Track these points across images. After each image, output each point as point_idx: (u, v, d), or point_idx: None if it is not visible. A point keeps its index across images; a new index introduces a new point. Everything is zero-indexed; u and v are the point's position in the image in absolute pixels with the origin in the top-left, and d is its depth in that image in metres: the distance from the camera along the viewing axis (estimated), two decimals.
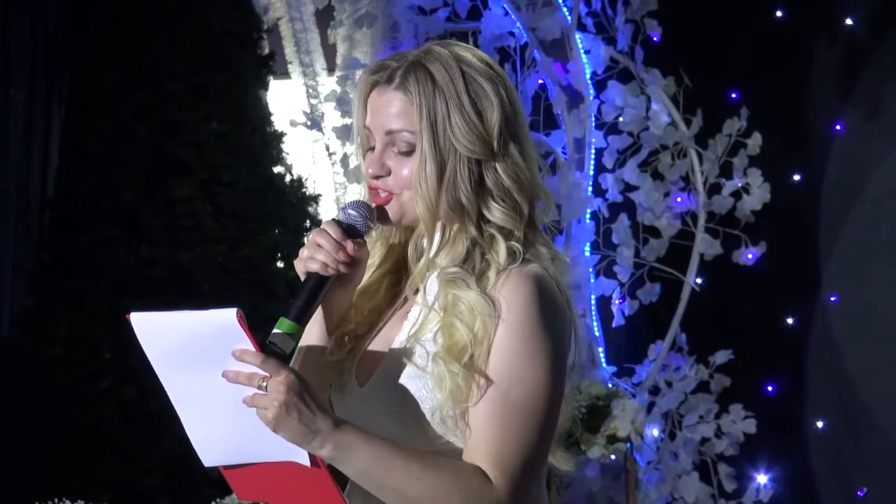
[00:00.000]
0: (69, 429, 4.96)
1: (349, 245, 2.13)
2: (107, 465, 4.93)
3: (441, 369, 2.05)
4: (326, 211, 5.77)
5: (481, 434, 2.04)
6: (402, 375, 2.09)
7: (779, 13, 5.96)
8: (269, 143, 5.46)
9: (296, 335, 2.07)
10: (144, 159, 5.20)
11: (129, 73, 5.27)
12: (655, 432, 5.59)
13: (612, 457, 5.41)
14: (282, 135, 5.55)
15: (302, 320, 2.08)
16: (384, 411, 2.08)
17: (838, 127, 5.93)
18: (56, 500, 4.33)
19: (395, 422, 2.07)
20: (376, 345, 2.19)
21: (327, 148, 5.88)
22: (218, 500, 4.44)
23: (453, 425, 2.07)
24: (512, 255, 2.11)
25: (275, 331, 2.07)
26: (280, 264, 5.35)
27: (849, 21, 5.93)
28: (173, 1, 5.33)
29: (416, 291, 2.20)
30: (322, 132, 5.81)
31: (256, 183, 5.31)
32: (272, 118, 5.57)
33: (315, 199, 5.56)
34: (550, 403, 2.06)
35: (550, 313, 2.08)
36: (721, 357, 5.58)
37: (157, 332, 2.03)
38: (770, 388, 5.89)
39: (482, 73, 2.14)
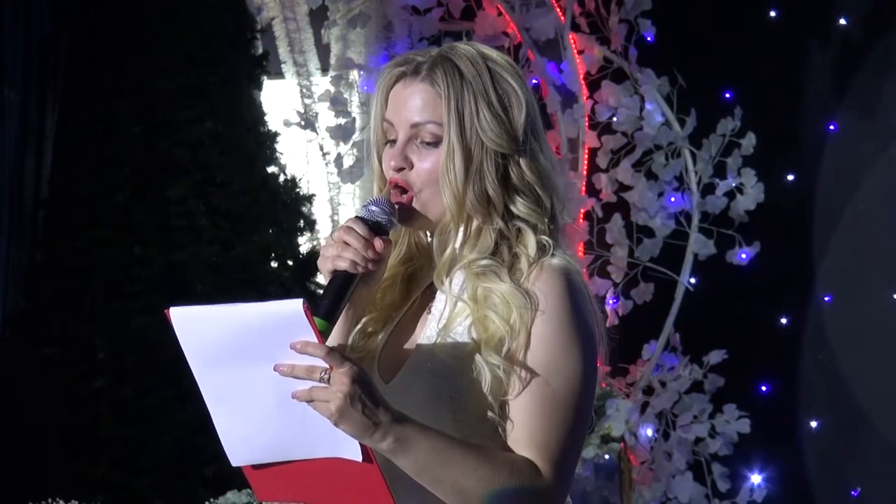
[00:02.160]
0: (62, 429, 4.95)
1: (378, 243, 2.11)
2: (100, 466, 4.92)
3: (480, 362, 2.06)
4: (320, 211, 5.76)
5: (526, 425, 2.06)
6: (436, 370, 2.09)
7: (772, 13, 5.97)
8: (262, 143, 5.46)
9: (326, 333, 2.04)
10: (138, 159, 5.20)
11: (122, 73, 5.27)
12: (649, 432, 5.58)
13: (606, 457, 5.41)
14: (275, 135, 5.55)
15: (332, 318, 2.06)
16: (415, 406, 2.07)
17: (832, 127, 5.94)
18: (49, 501, 4.33)
19: (428, 417, 2.06)
20: (397, 341, 2.19)
21: (321, 148, 5.87)
22: (212, 500, 4.44)
23: (489, 420, 2.07)
24: (542, 248, 2.13)
25: None
26: (274, 264, 5.34)
27: (842, 21, 5.93)
28: (167, 1, 5.33)
29: (428, 286, 2.21)
30: (316, 132, 5.81)
31: (250, 183, 5.31)
32: (266, 118, 5.57)
33: (309, 199, 5.55)
34: (587, 393, 2.10)
35: (583, 306, 2.12)
36: (715, 357, 5.57)
37: (199, 326, 1.99)
38: (764, 388, 5.90)
39: (507, 70, 2.18)
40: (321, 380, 1.93)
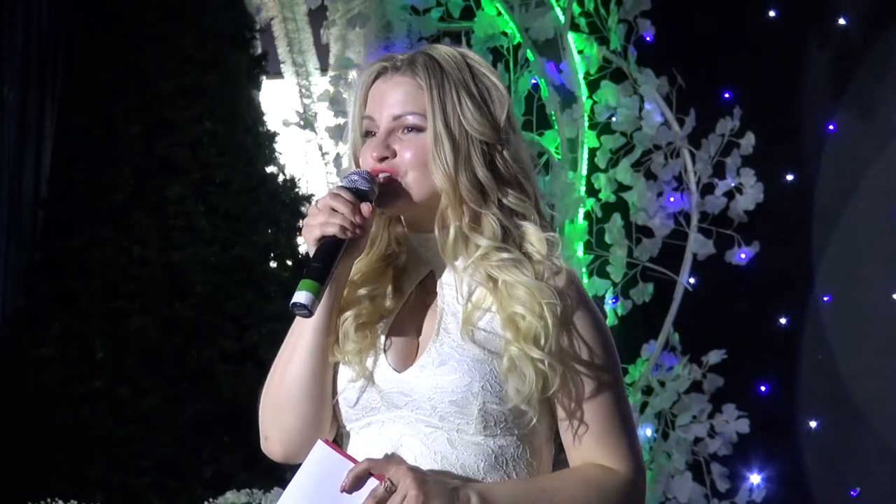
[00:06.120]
0: (61, 429, 4.95)
1: (365, 207, 2.13)
2: (99, 466, 4.92)
3: (519, 357, 2.09)
4: None
5: (597, 427, 2.13)
6: (465, 360, 2.11)
7: (772, 13, 5.96)
8: (261, 143, 5.46)
9: (319, 296, 2.06)
10: (137, 159, 5.20)
11: (121, 73, 5.27)
12: (648, 432, 5.58)
13: None
14: (274, 135, 5.55)
15: (324, 281, 2.07)
16: (441, 395, 2.10)
17: (831, 127, 5.93)
18: (48, 501, 4.33)
19: (455, 404, 2.10)
20: (403, 332, 2.20)
21: (320, 148, 5.87)
22: (211, 500, 4.44)
23: (522, 412, 2.10)
24: (551, 245, 2.17)
25: (298, 292, 2.06)
26: (273, 264, 5.34)
27: (842, 21, 5.93)
28: (166, 1, 5.32)
29: (423, 280, 2.23)
30: (315, 132, 5.81)
31: (249, 183, 5.31)
32: (265, 118, 5.57)
33: (308, 199, 5.55)
34: (623, 379, 2.20)
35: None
36: (714, 357, 5.57)
37: (327, 469, 2.04)
38: (763, 388, 5.89)
39: (487, 68, 2.21)
40: (387, 490, 2.00)
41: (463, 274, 2.17)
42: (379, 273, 2.23)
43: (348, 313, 2.20)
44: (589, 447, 2.13)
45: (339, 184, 2.16)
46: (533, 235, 2.16)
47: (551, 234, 2.18)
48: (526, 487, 2.08)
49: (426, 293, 2.22)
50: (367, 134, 2.21)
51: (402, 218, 2.23)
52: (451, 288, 2.18)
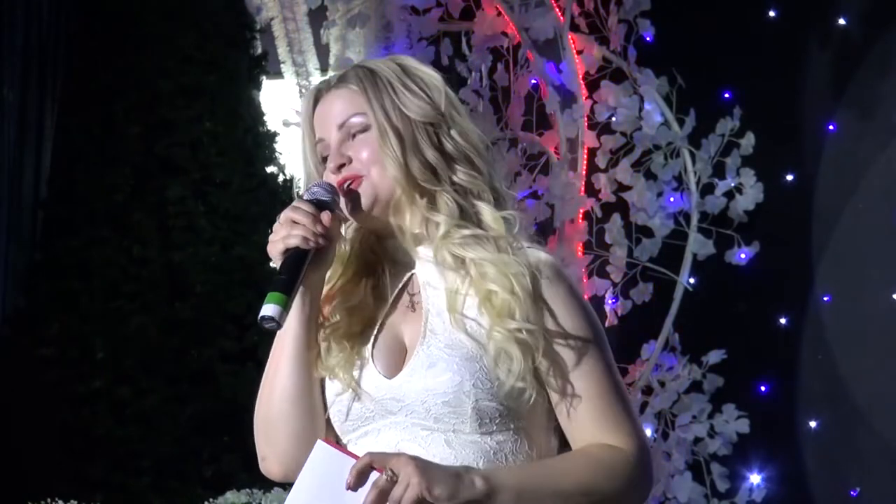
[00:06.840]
0: (61, 429, 4.95)
1: (325, 216, 2.16)
2: (99, 466, 4.92)
3: (502, 338, 2.10)
4: None
5: (594, 404, 2.13)
6: (455, 356, 2.12)
7: (772, 13, 5.97)
8: (261, 143, 5.45)
9: (287, 308, 2.08)
10: (136, 159, 5.19)
11: (121, 73, 5.27)
12: (648, 432, 5.59)
13: None
14: (274, 134, 5.55)
15: (291, 292, 2.10)
16: (433, 395, 2.11)
17: (831, 127, 5.93)
18: (48, 501, 4.33)
19: (448, 404, 2.10)
20: (388, 338, 2.21)
21: None
22: (211, 500, 4.43)
23: (518, 390, 2.11)
24: (508, 223, 2.18)
25: (266, 305, 2.08)
26: (273, 264, 5.33)
27: (841, 21, 5.93)
28: (166, 1, 5.32)
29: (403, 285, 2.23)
30: None
31: (249, 183, 5.30)
32: (265, 118, 5.57)
33: None
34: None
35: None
36: (714, 357, 5.57)
37: (329, 468, 2.04)
38: (763, 388, 5.89)
39: (421, 66, 2.24)
40: (389, 481, 1.99)
41: (445, 269, 2.17)
42: (355, 285, 2.25)
43: (329, 327, 2.22)
44: (589, 426, 2.13)
45: (300, 196, 2.20)
46: (488, 214, 2.18)
47: (509, 212, 2.19)
48: (531, 470, 2.09)
49: (409, 296, 2.23)
50: (325, 159, 2.25)
51: (375, 229, 2.25)
52: (435, 289, 2.19)
